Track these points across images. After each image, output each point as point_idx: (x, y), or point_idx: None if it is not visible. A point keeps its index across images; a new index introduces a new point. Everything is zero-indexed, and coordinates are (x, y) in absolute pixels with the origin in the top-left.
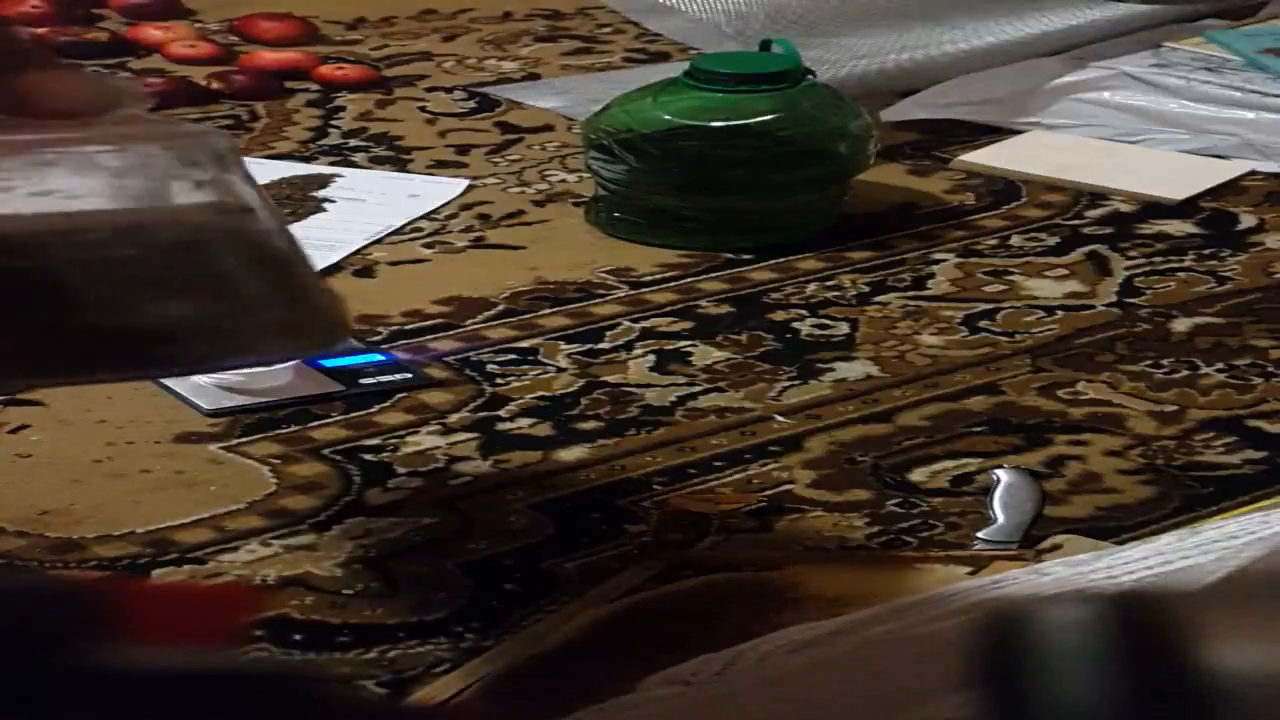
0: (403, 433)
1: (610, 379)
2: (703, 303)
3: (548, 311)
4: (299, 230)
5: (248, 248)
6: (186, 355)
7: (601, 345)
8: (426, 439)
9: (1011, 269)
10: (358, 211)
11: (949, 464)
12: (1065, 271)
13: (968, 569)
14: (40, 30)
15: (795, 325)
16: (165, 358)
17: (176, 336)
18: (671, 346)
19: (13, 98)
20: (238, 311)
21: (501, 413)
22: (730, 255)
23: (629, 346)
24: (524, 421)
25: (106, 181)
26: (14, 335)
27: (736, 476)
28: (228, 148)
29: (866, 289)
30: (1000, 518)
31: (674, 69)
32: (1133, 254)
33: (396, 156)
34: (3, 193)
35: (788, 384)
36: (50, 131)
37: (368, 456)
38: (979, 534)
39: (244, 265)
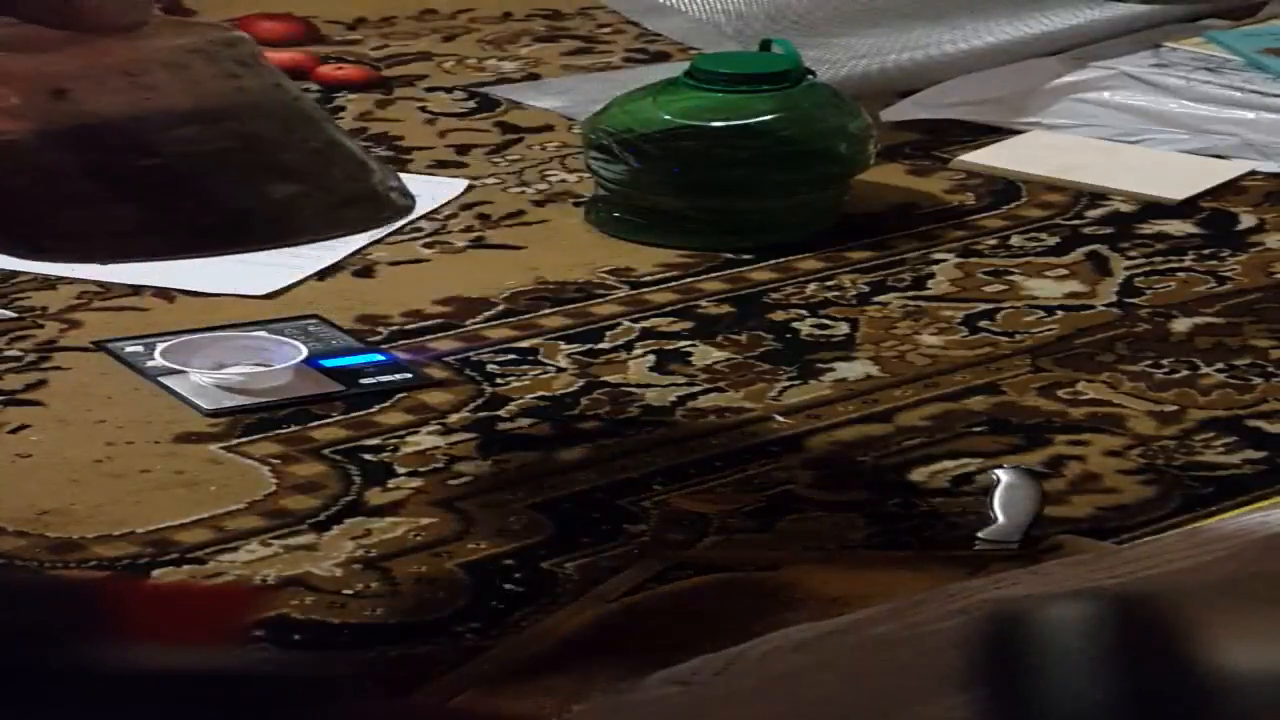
0: (403, 433)
1: (610, 379)
2: (703, 303)
3: (548, 311)
4: None
5: (309, 131)
6: (271, 233)
7: (601, 345)
8: (426, 439)
9: (1011, 269)
10: None
11: (949, 464)
12: (1065, 271)
13: (967, 569)
14: None
15: (795, 325)
16: (254, 236)
17: (265, 216)
18: (671, 346)
19: (57, 12)
20: (311, 191)
21: (501, 413)
22: (730, 255)
23: (629, 346)
24: (524, 421)
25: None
26: (139, 215)
27: (736, 477)
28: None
29: (866, 289)
30: (1000, 518)
31: (674, 69)
32: (1133, 254)
33: (396, 156)
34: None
35: (788, 384)
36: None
37: (368, 456)
38: (979, 534)
39: (310, 149)
